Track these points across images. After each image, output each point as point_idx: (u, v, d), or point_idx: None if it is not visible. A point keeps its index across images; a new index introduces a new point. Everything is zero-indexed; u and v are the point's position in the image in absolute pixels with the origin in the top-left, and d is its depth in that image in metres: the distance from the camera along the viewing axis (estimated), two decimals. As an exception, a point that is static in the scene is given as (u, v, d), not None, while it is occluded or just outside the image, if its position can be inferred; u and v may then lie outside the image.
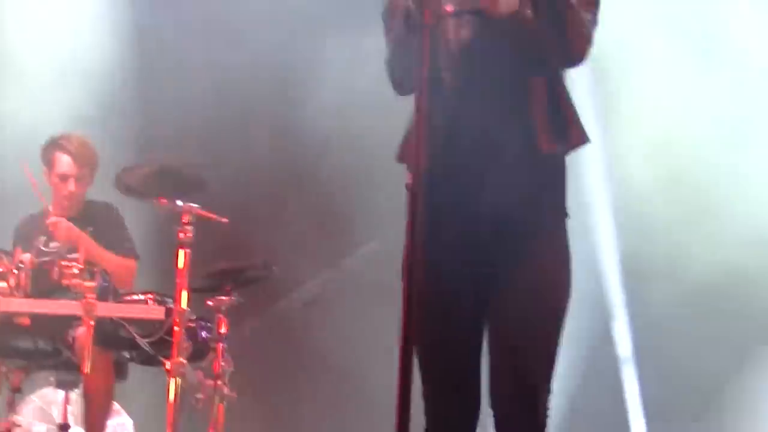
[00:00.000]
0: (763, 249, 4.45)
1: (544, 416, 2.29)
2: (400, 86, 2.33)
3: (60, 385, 3.84)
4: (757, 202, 4.45)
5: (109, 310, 3.52)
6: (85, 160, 3.95)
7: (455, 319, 2.31)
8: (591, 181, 4.42)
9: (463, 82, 2.33)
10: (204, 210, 3.65)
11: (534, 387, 2.27)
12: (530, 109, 2.30)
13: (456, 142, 2.32)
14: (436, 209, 2.21)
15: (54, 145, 3.94)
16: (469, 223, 2.29)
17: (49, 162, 3.93)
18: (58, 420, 3.80)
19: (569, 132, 2.33)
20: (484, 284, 2.30)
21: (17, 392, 3.73)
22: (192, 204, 3.58)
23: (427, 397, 2.31)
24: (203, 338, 3.77)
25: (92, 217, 3.96)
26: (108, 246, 3.86)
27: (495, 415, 2.30)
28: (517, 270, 2.27)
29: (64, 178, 3.91)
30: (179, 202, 3.56)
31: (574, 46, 2.32)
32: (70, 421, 3.76)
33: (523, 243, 2.26)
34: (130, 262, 3.95)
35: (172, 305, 3.51)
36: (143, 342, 3.61)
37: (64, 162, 3.91)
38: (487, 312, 2.31)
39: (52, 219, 3.75)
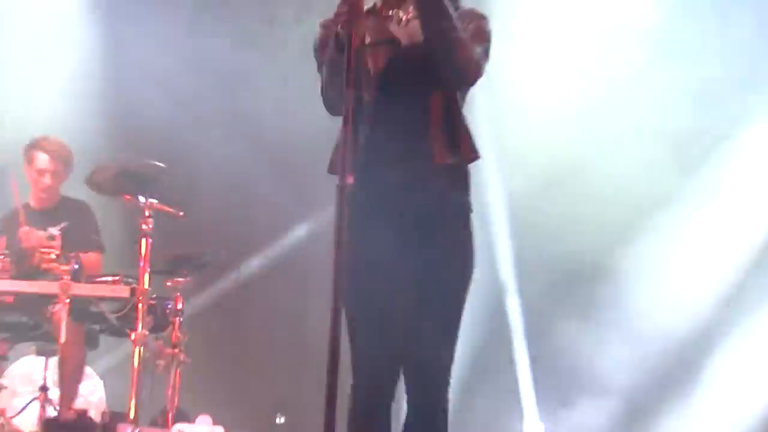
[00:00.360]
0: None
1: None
2: (332, 108, 2.56)
3: (40, 353, 4.28)
4: (617, 195, 5.23)
5: (82, 289, 3.99)
6: (61, 158, 4.38)
7: (378, 296, 2.57)
8: (490, 182, 5.15)
9: (379, 101, 2.59)
10: (162, 204, 4.08)
11: (439, 350, 2.60)
12: (429, 125, 2.57)
13: (375, 152, 2.58)
14: (361, 208, 2.48)
15: (34, 144, 4.38)
16: (390, 218, 2.56)
17: (29, 159, 4.37)
18: (39, 383, 4.17)
19: (461, 146, 2.59)
20: (404, 268, 2.56)
21: (3, 359, 4.20)
22: (152, 199, 4.02)
23: (354, 359, 2.57)
24: (163, 313, 4.26)
25: (67, 212, 4.36)
26: (79, 239, 4.24)
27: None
28: (430, 258, 2.55)
29: (41, 173, 4.35)
30: (141, 198, 4.00)
31: (464, 72, 2.58)
32: (49, 383, 4.16)
33: (433, 234, 2.55)
34: (96, 255, 4.37)
35: (135, 285, 3.95)
36: (111, 317, 4.09)
37: (42, 159, 4.34)
38: (404, 289, 2.55)
39: (24, 229, 4.10)
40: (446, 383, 2.63)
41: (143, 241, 3.95)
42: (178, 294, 4.31)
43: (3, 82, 5.32)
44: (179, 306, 4.29)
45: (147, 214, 4.00)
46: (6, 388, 4.24)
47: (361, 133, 2.55)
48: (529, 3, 5.35)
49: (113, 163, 4.30)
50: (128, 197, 4.08)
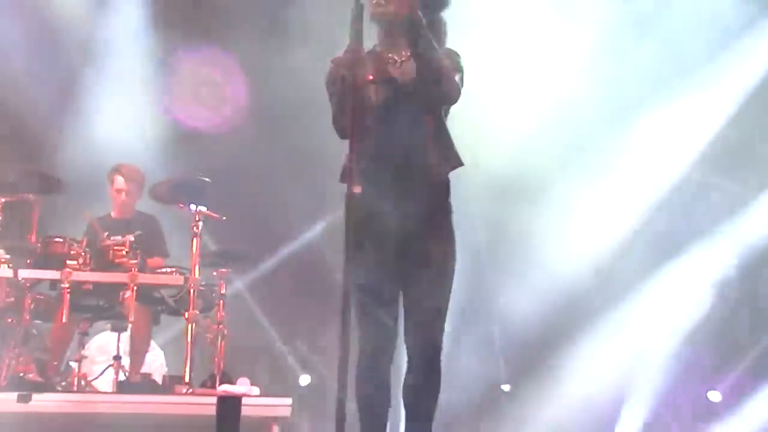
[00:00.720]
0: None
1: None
2: (341, 132, 3.02)
3: (114, 329, 5.15)
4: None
5: (146, 279, 4.95)
6: (135, 181, 5.37)
7: (381, 282, 3.08)
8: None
9: (381, 127, 3.09)
10: (208, 211, 4.99)
11: (434, 338, 3.10)
12: (426, 142, 3.09)
13: (380, 168, 3.05)
14: (369, 209, 2.93)
15: (114, 169, 5.39)
16: (393, 217, 3.06)
17: (110, 180, 5.37)
18: (113, 353, 5.04)
19: (450, 156, 3.11)
20: (401, 261, 3.08)
21: (85, 335, 5.07)
22: (200, 207, 4.94)
23: (360, 331, 3.07)
24: (210, 296, 5.16)
25: (140, 223, 5.26)
26: (149, 245, 5.13)
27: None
28: (421, 250, 3.06)
29: (119, 192, 5.35)
30: (192, 206, 4.95)
31: (450, 94, 3.11)
32: (121, 353, 5.03)
33: (424, 230, 3.09)
34: (160, 260, 5.28)
35: (188, 275, 4.89)
36: (170, 300, 5.04)
37: (119, 181, 5.34)
38: (403, 277, 3.11)
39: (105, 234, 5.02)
40: (438, 339, 3.14)
41: (194, 240, 4.90)
42: (222, 281, 5.18)
43: (90, 114, 6.33)
44: (222, 291, 5.18)
45: (197, 218, 4.92)
46: (87, 357, 5.05)
47: (367, 151, 3.00)
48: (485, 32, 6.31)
49: (169, 178, 5.25)
50: (182, 206, 5.03)
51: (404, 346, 3.17)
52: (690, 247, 6.82)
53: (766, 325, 7.01)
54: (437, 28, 3.21)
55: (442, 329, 3.16)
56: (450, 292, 3.17)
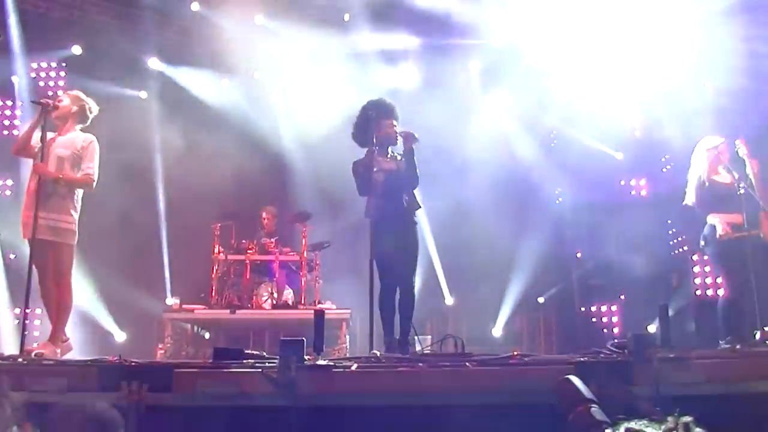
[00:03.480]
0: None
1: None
2: (361, 193, 6.65)
3: (268, 282, 10.88)
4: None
5: (283, 257, 10.72)
6: (274, 216, 10.97)
7: (392, 258, 6.56)
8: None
9: (384, 192, 6.61)
10: (306, 223, 10.72)
11: (412, 282, 6.79)
12: (407, 197, 6.71)
13: (386, 206, 6.58)
14: (380, 226, 6.50)
15: (262, 209, 11.08)
16: (396, 227, 6.65)
17: (259, 214, 11.14)
18: (270, 291, 10.84)
19: (416, 203, 6.83)
20: (401, 246, 6.74)
21: (259, 284, 10.93)
22: (305, 223, 10.65)
23: (381, 279, 6.61)
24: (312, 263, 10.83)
25: (279, 232, 11.13)
26: (282, 242, 10.98)
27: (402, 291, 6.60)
28: (406, 245, 6.78)
29: (264, 221, 11.11)
30: (300, 225, 10.65)
31: (417, 183, 6.68)
32: (273, 292, 10.84)
33: (410, 232, 6.84)
34: (288, 249, 11.14)
35: (301, 254, 10.60)
36: (293, 266, 10.78)
37: (265, 216, 11.09)
38: (401, 253, 6.85)
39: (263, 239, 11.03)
40: (413, 283, 6.73)
41: (302, 240, 10.52)
42: (316, 257, 10.76)
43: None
44: (318, 261, 10.72)
45: (303, 229, 10.56)
46: (258, 293, 10.82)
47: (378, 200, 6.67)
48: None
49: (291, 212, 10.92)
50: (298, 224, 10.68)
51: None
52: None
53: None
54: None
55: (414, 274, 6.84)
56: (416, 264, 6.89)
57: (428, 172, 7.17)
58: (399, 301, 6.70)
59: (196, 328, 10.75)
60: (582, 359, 4.89)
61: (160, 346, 9.83)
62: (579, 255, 12.20)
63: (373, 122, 6.56)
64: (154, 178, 12.10)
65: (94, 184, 6.88)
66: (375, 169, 6.58)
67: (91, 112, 7.16)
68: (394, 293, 6.66)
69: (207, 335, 11.08)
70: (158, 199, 12.14)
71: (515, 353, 5.23)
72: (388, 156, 6.84)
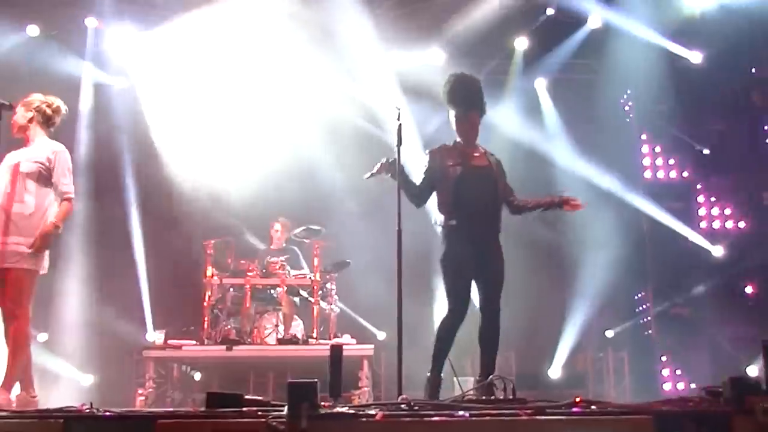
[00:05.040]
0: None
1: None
2: (413, 201, 7.09)
3: (273, 311, 10.79)
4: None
5: (290, 281, 10.73)
6: (286, 228, 11.12)
7: (465, 275, 6.81)
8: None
9: (460, 183, 7.00)
10: (324, 241, 10.77)
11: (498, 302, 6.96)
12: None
13: (463, 207, 6.92)
14: (458, 230, 6.82)
15: (275, 220, 11.18)
16: (472, 237, 6.95)
17: (271, 226, 11.19)
18: (273, 323, 10.72)
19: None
20: (477, 262, 6.90)
21: (260, 314, 10.89)
22: (320, 239, 10.72)
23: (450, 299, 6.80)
24: (327, 289, 10.88)
25: (288, 252, 11.12)
26: (293, 266, 10.99)
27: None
28: (489, 254, 7.00)
29: (275, 233, 11.14)
30: (313, 239, 10.72)
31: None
32: (279, 323, 10.85)
33: (492, 245, 7.12)
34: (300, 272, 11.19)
35: (314, 278, 10.61)
36: (304, 292, 10.82)
37: (276, 228, 11.16)
38: (476, 273, 6.98)
39: (268, 258, 11.06)
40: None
41: (314, 259, 10.58)
42: (332, 280, 10.84)
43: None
44: (333, 286, 10.82)
45: (316, 246, 10.61)
46: (259, 326, 10.86)
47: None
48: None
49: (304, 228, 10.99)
50: (308, 240, 10.74)
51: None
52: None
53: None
54: None
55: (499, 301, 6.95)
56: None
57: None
58: (481, 331, 6.91)
59: (183, 367, 10.79)
60: (664, 408, 4.81)
61: (140, 392, 9.86)
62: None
63: None
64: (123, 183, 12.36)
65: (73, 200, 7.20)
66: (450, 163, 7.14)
67: (56, 112, 7.39)
68: (463, 317, 6.83)
69: (197, 376, 11.11)
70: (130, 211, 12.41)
71: (578, 399, 5.15)
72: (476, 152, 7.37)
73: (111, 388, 11.16)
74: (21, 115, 7.30)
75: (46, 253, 7.09)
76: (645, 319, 12.75)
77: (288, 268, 10.77)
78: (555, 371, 12.23)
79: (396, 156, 6.74)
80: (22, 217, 6.99)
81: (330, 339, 10.22)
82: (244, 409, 4.96)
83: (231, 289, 10.72)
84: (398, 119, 6.80)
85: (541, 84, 13.98)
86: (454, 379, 6.71)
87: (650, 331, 12.44)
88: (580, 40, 13.02)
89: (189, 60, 12.32)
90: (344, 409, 4.89)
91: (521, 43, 13.44)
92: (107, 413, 5.08)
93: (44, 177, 7.11)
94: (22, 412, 6.13)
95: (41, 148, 7.22)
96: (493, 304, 6.94)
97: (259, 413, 4.80)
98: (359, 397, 9.52)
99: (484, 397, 6.08)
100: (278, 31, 11.55)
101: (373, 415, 4.77)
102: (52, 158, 7.12)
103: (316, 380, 4.75)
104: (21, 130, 7.31)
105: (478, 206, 6.93)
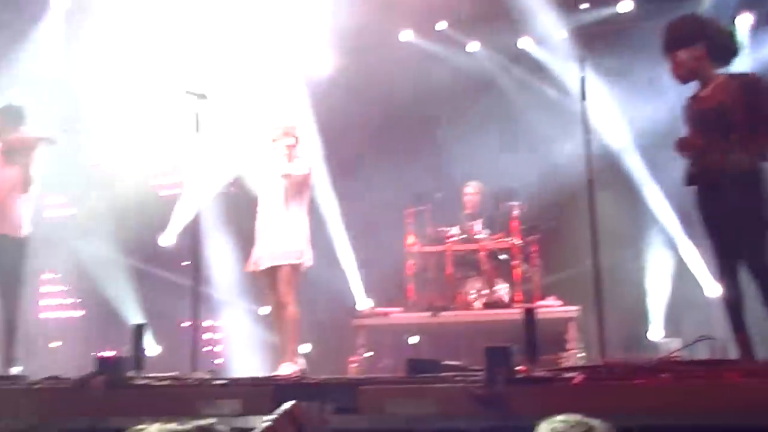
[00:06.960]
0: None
1: None
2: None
3: (476, 276, 10.84)
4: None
5: (491, 245, 10.74)
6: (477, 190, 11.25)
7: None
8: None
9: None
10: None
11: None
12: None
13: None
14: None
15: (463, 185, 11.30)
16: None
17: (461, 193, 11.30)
18: (484, 290, 10.92)
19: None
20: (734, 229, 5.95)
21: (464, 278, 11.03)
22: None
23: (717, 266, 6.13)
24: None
25: (481, 213, 11.26)
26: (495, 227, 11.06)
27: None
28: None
29: (468, 197, 11.24)
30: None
31: None
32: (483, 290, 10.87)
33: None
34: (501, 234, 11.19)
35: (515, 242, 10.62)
36: (504, 256, 10.78)
37: (468, 191, 11.27)
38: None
39: None
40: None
41: (512, 222, 10.50)
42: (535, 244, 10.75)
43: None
44: (535, 248, 10.72)
45: (513, 208, 10.53)
46: (461, 293, 10.96)
47: None
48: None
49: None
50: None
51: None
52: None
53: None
54: None
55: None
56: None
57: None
58: None
59: (404, 336, 11.01)
60: None
61: (352, 359, 10.16)
62: None
63: None
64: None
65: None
66: None
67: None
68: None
69: (415, 340, 11.24)
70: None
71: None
72: None
73: (327, 357, 11.49)
74: None
75: None
76: None
77: (487, 231, 10.73)
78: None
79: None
80: None
81: (533, 303, 10.03)
82: (442, 374, 5.05)
83: (433, 256, 10.79)
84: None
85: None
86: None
87: None
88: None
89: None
90: (542, 373, 4.88)
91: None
92: (313, 380, 5.30)
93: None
94: (239, 380, 6.49)
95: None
96: None
97: (457, 378, 4.88)
98: (565, 361, 9.41)
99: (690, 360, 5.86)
100: None
101: (571, 379, 4.74)
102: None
103: (512, 344, 4.76)
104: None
105: None
